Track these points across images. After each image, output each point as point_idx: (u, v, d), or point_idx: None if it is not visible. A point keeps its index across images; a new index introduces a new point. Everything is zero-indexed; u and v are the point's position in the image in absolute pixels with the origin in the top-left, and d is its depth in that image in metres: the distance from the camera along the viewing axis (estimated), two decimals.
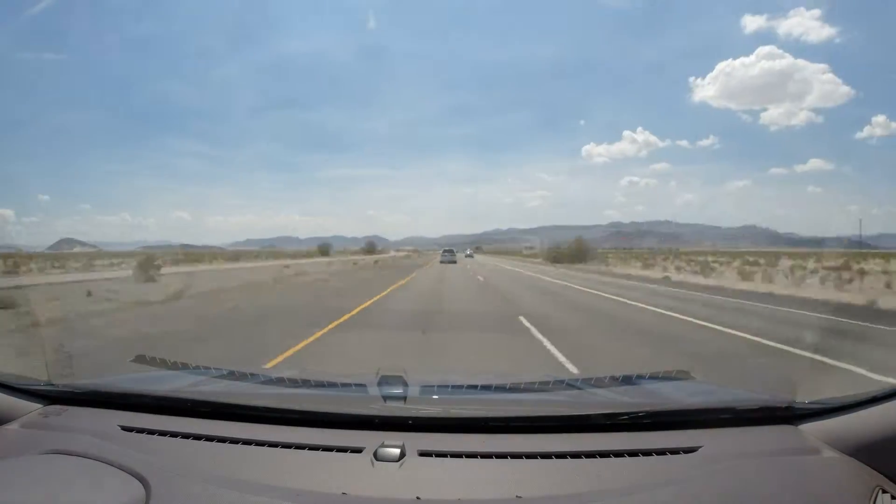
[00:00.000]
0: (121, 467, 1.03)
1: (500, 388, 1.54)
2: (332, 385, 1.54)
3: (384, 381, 1.42)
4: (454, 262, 41.40)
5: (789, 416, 1.25)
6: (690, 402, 1.43)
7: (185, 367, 1.93)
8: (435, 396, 1.56)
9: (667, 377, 1.63)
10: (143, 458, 1.07)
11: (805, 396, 1.28)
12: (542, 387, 1.50)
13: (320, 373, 2.14)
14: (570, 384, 1.57)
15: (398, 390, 1.34)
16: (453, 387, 1.62)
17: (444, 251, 47.09)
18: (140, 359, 2.00)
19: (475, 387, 1.56)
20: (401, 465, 1.04)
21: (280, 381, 1.65)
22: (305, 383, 1.56)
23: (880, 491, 0.99)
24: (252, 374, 1.76)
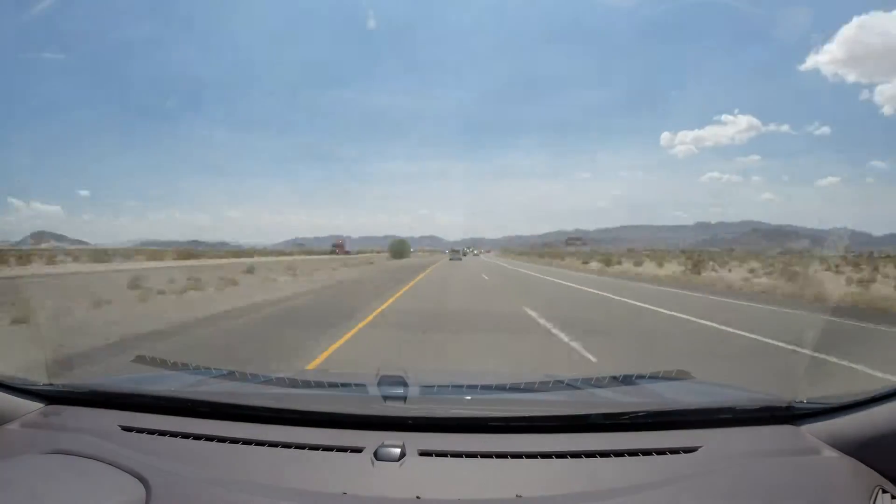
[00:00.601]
0: (121, 467, 1.03)
1: (500, 388, 1.54)
2: (331, 385, 1.54)
3: (384, 380, 1.42)
4: (460, 259, 50.88)
5: (789, 416, 1.25)
6: (690, 402, 1.43)
7: (184, 367, 1.93)
8: (435, 396, 1.56)
9: (667, 377, 1.63)
10: (143, 458, 1.07)
11: (805, 396, 1.28)
12: (542, 387, 1.50)
13: (320, 373, 2.14)
14: (570, 384, 1.57)
15: (398, 390, 1.34)
16: (453, 387, 1.62)
17: (451, 251, 60.12)
18: (140, 359, 2.01)
19: (475, 387, 1.56)
20: (401, 464, 1.04)
21: (280, 381, 1.65)
22: (305, 383, 1.56)
23: (880, 491, 0.99)
24: (252, 374, 1.76)
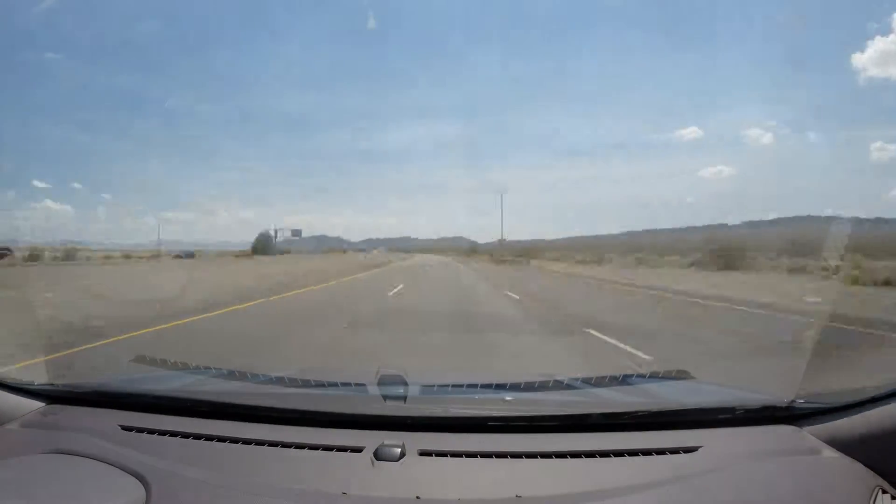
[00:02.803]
0: (121, 467, 1.04)
1: (500, 388, 1.54)
2: (331, 384, 1.54)
3: (384, 380, 1.43)
4: None
5: (789, 415, 1.25)
6: (690, 402, 1.43)
7: (185, 366, 1.94)
8: (435, 396, 1.57)
9: (667, 377, 1.63)
10: (143, 458, 1.08)
11: (805, 396, 1.28)
12: (542, 386, 1.50)
13: (320, 372, 2.15)
14: (570, 384, 1.57)
15: (398, 390, 1.35)
16: (453, 386, 1.62)
17: None
18: (140, 358, 2.01)
19: (475, 386, 1.56)
20: (401, 464, 1.05)
21: (280, 381, 1.66)
22: (305, 383, 1.56)
23: (880, 491, 0.99)
24: (252, 374, 1.76)
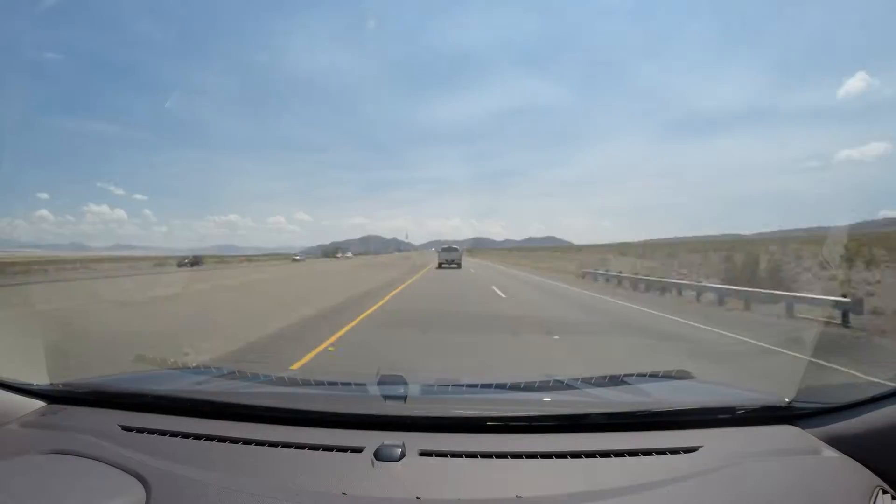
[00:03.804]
0: (121, 467, 1.04)
1: (500, 388, 1.53)
2: (332, 385, 1.54)
3: (384, 380, 1.43)
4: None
5: (789, 415, 1.25)
6: (690, 402, 1.43)
7: (185, 366, 1.94)
8: (435, 396, 1.57)
9: (667, 377, 1.63)
10: (142, 458, 1.08)
11: (805, 396, 1.28)
12: (542, 386, 1.50)
13: (320, 372, 2.15)
14: (570, 384, 1.57)
15: (398, 390, 1.35)
16: (453, 386, 1.62)
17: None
18: (140, 358, 2.01)
19: (475, 386, 1.56)
20: (401, 464, 1.05)
21: (280, 381, 1.66)
22: (305, 383, 1.56)
23: (880, 491, 0.99)
24: (252, 374, 1.76)
